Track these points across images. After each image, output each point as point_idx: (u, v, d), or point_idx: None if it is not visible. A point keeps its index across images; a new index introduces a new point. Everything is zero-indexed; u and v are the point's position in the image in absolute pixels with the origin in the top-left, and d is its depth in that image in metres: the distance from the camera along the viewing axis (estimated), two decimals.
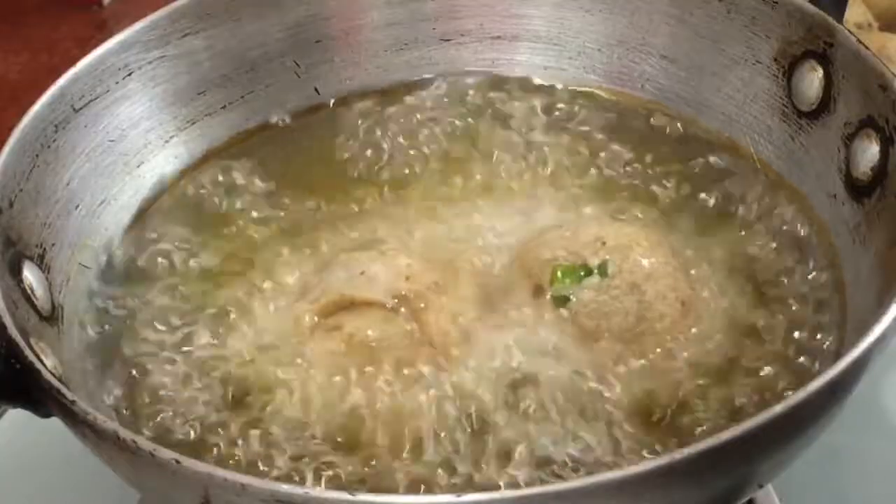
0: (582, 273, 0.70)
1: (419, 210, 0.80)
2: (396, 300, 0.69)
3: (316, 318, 0.70)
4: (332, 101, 0.91)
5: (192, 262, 0.78)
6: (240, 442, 0.65)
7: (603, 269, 0.70)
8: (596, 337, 0.68)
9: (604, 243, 0.71)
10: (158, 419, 0.67)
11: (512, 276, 0.73)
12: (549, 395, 0.65)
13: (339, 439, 0.65)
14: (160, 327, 0.73)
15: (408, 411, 0.65)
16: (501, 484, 0.61)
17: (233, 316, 0.73)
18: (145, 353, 0.72)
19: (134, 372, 0.70)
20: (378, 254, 0.74)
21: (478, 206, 0.80)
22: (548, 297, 0.70)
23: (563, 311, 0.69)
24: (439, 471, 0.62)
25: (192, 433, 0.66)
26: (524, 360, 0.67)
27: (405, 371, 0.67)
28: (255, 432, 0.65)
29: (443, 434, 0.64)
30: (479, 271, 0.73)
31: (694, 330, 0.69)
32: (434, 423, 0.64)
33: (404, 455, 0.63)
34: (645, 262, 0.70)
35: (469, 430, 0.64)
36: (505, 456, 0.62)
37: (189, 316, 0.74)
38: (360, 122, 0.88)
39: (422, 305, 0.69)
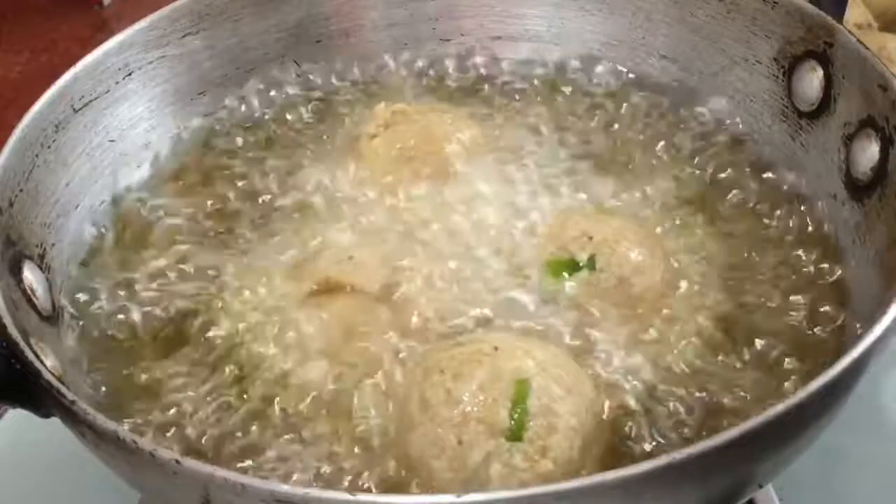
0: (570, 267, 0.70)
1: (412, 200, 0.79)
2: (381, 287, 0.69)
3: (301, 299, 0.70)
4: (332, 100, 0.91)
5: (191, 262, 0.78)
6: (240, 436, 0.65)
7: (591, 264, 0.70)
8: (583, 325, 0.69)
9: (590, 238, 0.71)
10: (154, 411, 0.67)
11: (500, 269, 0.73)
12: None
13: (321, 416, 0.65)
14: (157, 331, 0.73)
15: (387, 396, 0.65)
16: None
17: (222, 300, 0.73)
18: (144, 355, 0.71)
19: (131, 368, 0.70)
20: (367, 240, 0.74)
21: (470, 199, 0.79)
22: (537, 290, 0.71)
23: (553, 304, 0.70)
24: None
25: (192, 430, 0.66)
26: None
27: (386, 357, 0.67)
28: (257, 425, 0.65)
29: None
30: (467, 263, 0.73)
31: (683, 324, 0.69)
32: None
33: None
34: (632, 256, 0.70)
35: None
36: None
37: (187, 310, 0.74)
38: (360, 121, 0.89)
39: (407, 293, 0.69)
